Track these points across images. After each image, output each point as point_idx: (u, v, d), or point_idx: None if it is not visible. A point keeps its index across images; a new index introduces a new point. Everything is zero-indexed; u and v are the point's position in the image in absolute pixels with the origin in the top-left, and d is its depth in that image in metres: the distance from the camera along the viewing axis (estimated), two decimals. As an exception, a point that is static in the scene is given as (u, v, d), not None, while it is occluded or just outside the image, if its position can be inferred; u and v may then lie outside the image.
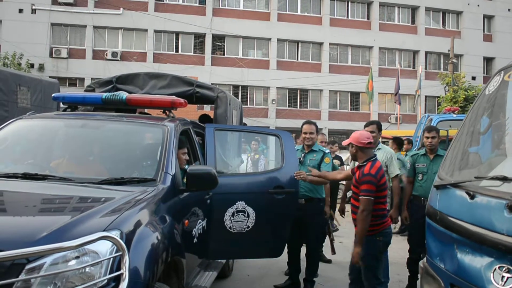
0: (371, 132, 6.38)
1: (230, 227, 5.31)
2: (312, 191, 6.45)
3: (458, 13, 41.07)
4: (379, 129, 6.53)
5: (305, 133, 6.52)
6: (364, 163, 4.99)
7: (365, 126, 6.58)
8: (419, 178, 6.45)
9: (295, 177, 5.72)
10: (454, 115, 11.32)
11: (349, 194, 7.03)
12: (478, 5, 40.66)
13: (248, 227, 5.38)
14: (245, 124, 9.62)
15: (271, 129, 6.73)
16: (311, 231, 6.52)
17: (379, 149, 6.46)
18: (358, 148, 5.06)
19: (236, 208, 5.32)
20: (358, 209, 4.94)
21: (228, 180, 5.33)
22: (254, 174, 6.02)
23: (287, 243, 6.59)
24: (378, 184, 4.89)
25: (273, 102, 37.21)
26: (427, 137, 6.51)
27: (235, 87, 36.44)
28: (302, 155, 6.59)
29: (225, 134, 6.03)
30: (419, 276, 5.35)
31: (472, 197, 2.96)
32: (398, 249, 8.05)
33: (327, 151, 6.58)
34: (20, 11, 33.30)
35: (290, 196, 5.65)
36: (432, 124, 10.50)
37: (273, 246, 5.81)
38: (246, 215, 5.36)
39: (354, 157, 5.24)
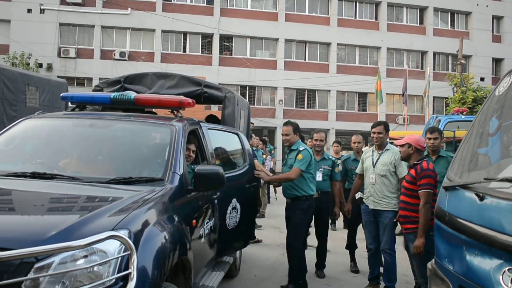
0: (379, 133, 6.42)
1: (228, 224, 5.50)
2: (296, 189, 6.47)
3: (467, 14, 40.95)
4: (387, 129, 6.53)
5: (282, 134, 6.59)
6: (419, 162, 5.46)
7: (373, 126, 6.57)
8: None
9: (255, 174, 6.34)
10: (463, 116, 11.27)
11: (357, 195, 7.04)
12: (487, 6, 40.53)
13: (237, 222, 5.70)
14: (252, 124, 9.63)
15: (231, 128, 6.83)
16: (290, 227, 6.56)
17: (387, 149, 6.45)
18: (416, 150, 5.55)
19: (232, 206, 5.59)
20: (410, 205, 5.47)
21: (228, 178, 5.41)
22: (237, 171, 6.16)
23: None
24: (436, 179, 5.35)
25: (281, 103, 37.22)
26: (429, 138, 6.48)
27: (243, 87, 36.47)
28: (286, 155, 6.76)
29: (214, 133, 6.14)
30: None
31: (481, 198, 2.94)
32: (404, 249, 8.02)
33: (302, 148, 6.50)
34: (29, 11, 33.47)
35: (255, 189, 6.33)
36: (440, 125, 10.46)
37: (248, 236, 6.37)
38: (237, 211, 5.67)
39: (407, 157, 5.65)
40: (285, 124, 6.73)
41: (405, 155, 5.63)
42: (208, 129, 5.72)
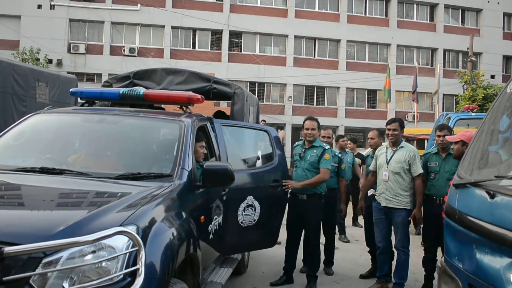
0: (394, 130, 6.36)
1: (241, 222, 5.45)
2: (315, 186, 6.52)
3: (478, 11, 40.66)
4: (402, 126, 6.49)
5: (307, 129, 6.56)
6: None
7: (387, 123, 6.53)
8: (431, 177, 6.35)
9: (284, 189, 6.13)
10: (473, 114, 11.18)
11: (370, 192, 6.98)
12: (498, 3, 40.20)
13: (255, 220, 5.59)
14: (264, 121, 9.62)
15: (260, 125, 6.76)
16: (310, 225, 6.61)
17: (402, 147, 6.40)
18: None
19: (247, 203, 5.49)
20: None
21: (240, 175, 5.35)
22: (257, 169, 6.12)
23: (287, 240, 6.78)
24: None
25: (290, 99, 37.15)
26: (439, 136, 6.43)
27: (252, 83, 36.42)
28: (302, 150, 6.67)
29: (237, 130, 6.09)
30: (435, 275, 5.32)
31: (492, 196, 2.92)
32: (414, 247, 7.99)
33: (327, 147, 6.57)
34: (39, 6, 33.59)
35: (283, 189, 6.11)
36: (450, 123, 10.40)
37: (271, 237, 6.11)
38: (253, 209, 5.56)
39: (460, 156, 5.02)
40: (310, 119, 6.71)
41: (458, 154, 5.40)
42: (223, 125, 5.70)
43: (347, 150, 9.79)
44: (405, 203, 6.26)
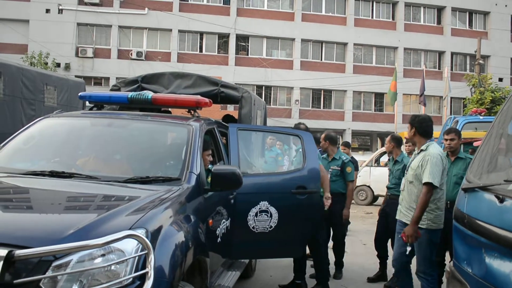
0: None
1: (253, 227, 5.28)
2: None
3: (485, 14, 40.54)
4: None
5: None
6: None
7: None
8: None
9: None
10: (481, 117, 11.15)
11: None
12: (505, 6, 40.08)
13: (271, 227, 5.35)
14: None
15: (293, 130, 6.60)
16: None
17: (422, 150, 5.38)
18: None
19: (259, 208, 5.29)
20: None
21: (251, 180, 5.30)
22: (277, 174, 5.96)
23: None
24: None
25: (297, 103, 37.16)
26: (446, 139, 6.38)
27: (259, 87, 36.45)
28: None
29: (248, 134, 6.00)
30: (444, 279, 5.28)
31: (501, 200, 2.91)
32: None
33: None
34: (47, 11, 33.80)
35: (312, 196, 5.58)
36: (458, 126, 10.37)
37: (294, 246, 5.80)
38: (269, 215, 5.33)
39: None
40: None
41: None
42: (239, 129, 5.63)
43: None
44: (421, 220, 5.18)
